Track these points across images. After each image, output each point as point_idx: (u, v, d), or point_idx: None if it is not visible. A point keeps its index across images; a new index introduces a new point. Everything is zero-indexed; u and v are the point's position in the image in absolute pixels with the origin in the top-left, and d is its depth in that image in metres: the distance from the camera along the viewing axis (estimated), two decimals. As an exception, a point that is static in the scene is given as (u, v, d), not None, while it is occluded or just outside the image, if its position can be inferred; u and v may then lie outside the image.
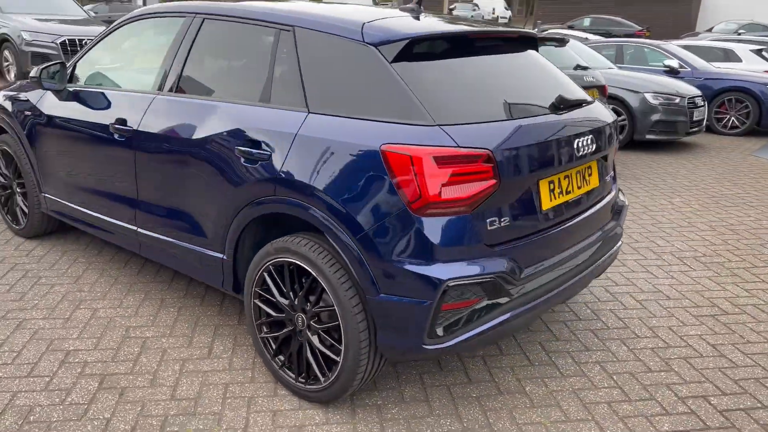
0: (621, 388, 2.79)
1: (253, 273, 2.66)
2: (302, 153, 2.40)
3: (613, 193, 3.07)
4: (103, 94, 3.42)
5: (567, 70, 6.34)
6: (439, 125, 2.22)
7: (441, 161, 2.15)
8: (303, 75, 2.53)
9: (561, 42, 6.49)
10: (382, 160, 2.19)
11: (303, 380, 2.58)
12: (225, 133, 2.68)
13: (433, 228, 2.18)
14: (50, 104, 3.69)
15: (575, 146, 2.56)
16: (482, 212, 2.25)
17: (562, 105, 2.65)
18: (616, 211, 3.11)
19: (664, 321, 3.44)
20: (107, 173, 3.32)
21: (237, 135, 2.64)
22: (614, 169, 3.15)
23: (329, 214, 2.30)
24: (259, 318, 2.71)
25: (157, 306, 3.41)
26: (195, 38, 3.02)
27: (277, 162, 2.47)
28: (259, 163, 2.53)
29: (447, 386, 2.78)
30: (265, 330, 2.71)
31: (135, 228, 3.24)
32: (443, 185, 2.15)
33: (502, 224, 2.31)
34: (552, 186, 2.52)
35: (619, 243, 3.10)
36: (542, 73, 2.85)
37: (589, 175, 2.80)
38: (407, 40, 2.37)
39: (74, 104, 3.54)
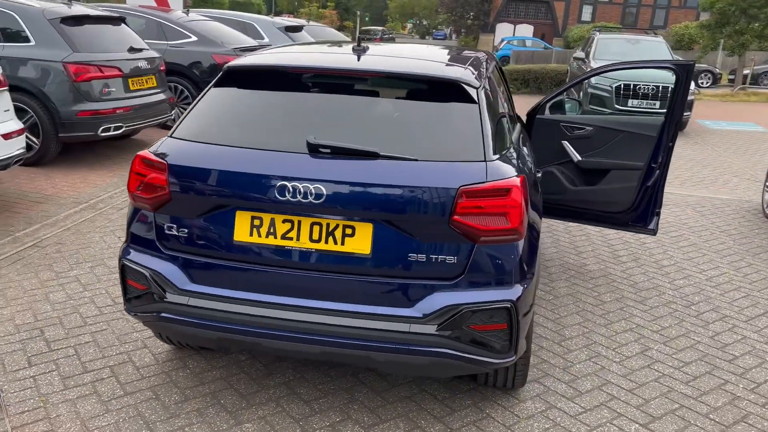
0: None
1: None
2: None
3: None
4: None
5: None
6: (171, 136, 2.77)
7: (144, 165, 2.74)
8: None
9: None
10: None
11: None
12: None
13: (132, 215, 2.80)
14: None
15: (297, 191, 2.45)
16: (164, 215, 2.69)
17: (326, 149, 2.53)
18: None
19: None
20: None
21: None
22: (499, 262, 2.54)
23: None
24: None
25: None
26: None
27: None
28: None
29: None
30: None
31: None
32: (142, 183, 2.74)
33: (179, 233, 2.66)
34: (257, 222, 2.56)
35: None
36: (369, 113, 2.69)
37: (348, 235, 2.50)
38: None
39: None
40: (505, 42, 35.68)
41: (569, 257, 5.21)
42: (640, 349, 3.69)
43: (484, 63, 3.26)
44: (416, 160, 2.51)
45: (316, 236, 2.52)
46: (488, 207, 2.48)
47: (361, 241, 2.49)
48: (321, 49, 3.52)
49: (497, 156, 2.62)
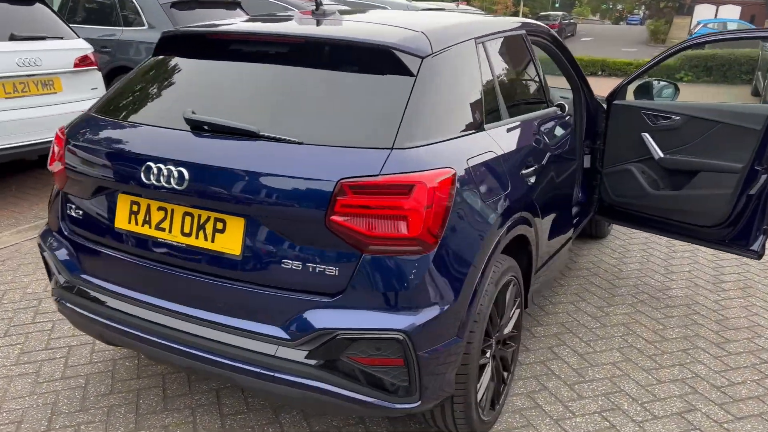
0: None
1: None
2: None
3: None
4: None
5: None
6: (88, 111, 2.56)
7: (57, 139, 2.54)
8: None
9: None
10: None
11: None
12: None
13: (53, 194, 2.62)
14: None
15: (162, 174, 2.10)
16: (66, 195, 2.49)
17: (207, 126, 2.15)
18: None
19: None
20: None
21: None
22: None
23: None
24: None
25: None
26: None
27: None
28: None
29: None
30: None
31: None
32: (56, 157, 2.55)
33: (76, 215, 2.44)
34: (135, 208, 2.25)
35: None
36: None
37: (219, 230, 2.09)
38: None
39: None
40: (700, 25, 31.63)
41: (652, 277, 4.23)
42: (679, 409, 2.79)
43: (472, 30, 2.60)
44: (300, 143, 2.01)
45: (187, 229, 2.14)
46: (378, 207, 1.92)
47: (231, 238, 2.06)
48: (278, 18, 3.04)
49: (419, 144, 2.03)
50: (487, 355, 2.46)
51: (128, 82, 2.58)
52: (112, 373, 2.94)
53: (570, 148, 3.29)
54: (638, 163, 3.92)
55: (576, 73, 3.93)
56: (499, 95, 2.65)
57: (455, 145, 2.18)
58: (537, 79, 3.15)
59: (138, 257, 2.24)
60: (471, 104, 2.42)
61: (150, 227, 2.20)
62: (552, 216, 3.01)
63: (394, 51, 2.17)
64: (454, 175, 2.06)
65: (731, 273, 4.34)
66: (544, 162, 2.84)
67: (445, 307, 2.04)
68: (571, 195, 3.36)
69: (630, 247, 4.79)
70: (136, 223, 2.23)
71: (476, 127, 2.39)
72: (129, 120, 2.35)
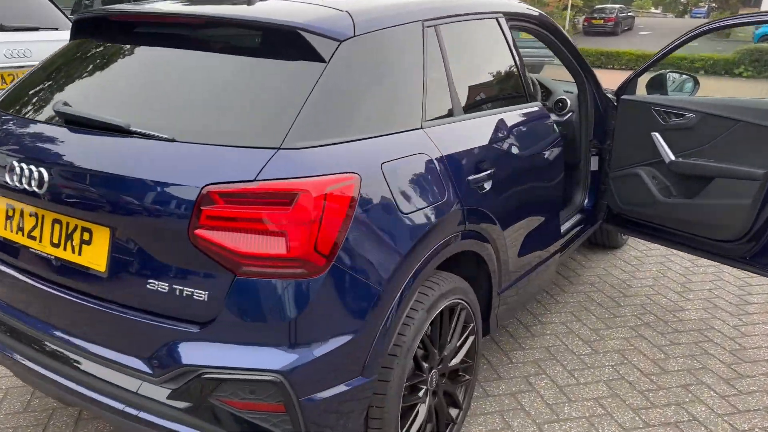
0: None
1: None
2: None
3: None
4: None
5: None
6: None
7: None
8: None
9: None
10: None
11: None
12: None
13: None
14: None
15: (24, 175, 1.83)
16: None
17: (75, 120, 1.86)
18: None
19: None
20: None
21: None
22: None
23: None
24: None
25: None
26: None
27: None
28: None
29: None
30: None
31: None
32: None
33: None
34: (11, 213, 1.98)
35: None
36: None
37: (85, 241, 1.80)
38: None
39: None
40: (768, 18, 29.74)
41: (665, 295, 3.74)
42: (665, 462, 2.35)
43: (419, 12, 2.21)
44: (171, 140, 1.69)
45: (56, 238, 1.85)
46: (251, 220, 1.58)
47: (96, 251, 1.76)
48: None
49: (317, 144, 1.68)
50: (420, 393, 2.08)
51: (35, 71, 2.32)
52: (32, 390, 2.70)
53: (556, 149, 2.85)
54: (648, 166, 3.44)
55: (579, 63, 3.47)
56: (452, 89, 2.26)
57: (369, 147, 1.82)
58: (514, 70, 2.73)
59: (12, 267, 1.97)
60: (405, 99, 2.04)
61: (23, 235, 1.92)
62: (524, 227, 2.60)
63: (303, 33, 1.82)
64: (359, 181, 1.69)
65: (760, 294, 3.80)
66: (509, 166, 2.43)
67: (341, 342, 1.68)
68: (556, 202, 2.93)
69: (646, 259, 4.29)
70: (11, 230, 1.95)
71: (409, 125, 2.01)
72: (21, 114, 2.08)
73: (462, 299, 2.22)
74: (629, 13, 38.11)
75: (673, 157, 3.29)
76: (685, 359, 3.04)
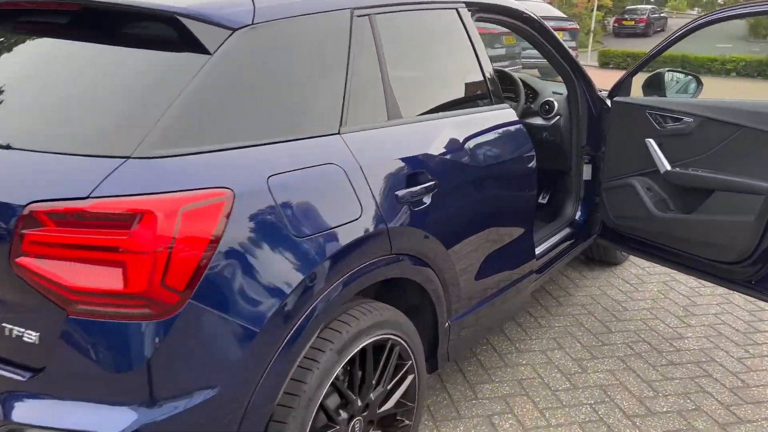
0: None
1: None
2: None
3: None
4: None
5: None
6: None
7: None
8: None
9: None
10: None
11: None
12: None
13: None
14: None
15: None
16: None
17: None
18: None
19: None
20: None
21: None
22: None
23: None
24: None
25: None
26: None
27: None
28: None
29: None
30: None
31: None
32: None
33: None
34: None
35: None
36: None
37: None
38: None
39: None
40: (808, 19, 28.61)
41: (664, 320, 3.34)
42: None
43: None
44: (7, 146, 1.40)
45: None
46: (83, 247, 1.28)
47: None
48: None
49: (181, 152, 1.38)
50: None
51: None
52: None
53: (527, 157, 2.51)
54: (643, 176, 3.07)
55: (566, 61, 3.11)
56: (388, 89, 1.94)
57: (252, 156, 1.51)
58: (475, 69, 2.39)
59: None
60: (316, 100, 1.73)
61: None
62: (481, 247, 2.27)
63: (184, 19, 1.53)
64: (231, 198, 1.39)
65: (773, 319, 3.38)
66: (458, 177, 2.10)
67: (202, 398, 1.37)
68: (527, 218, 2.58)
69: (647, 277, 3.89)
70: None
71: (321, 131, 1.70)
72: None
73: (394, 334, 1.89)
74: (662, 14, 37.07)
75: (668, 167, 2.91)
76: (676, 398, 2.66)
